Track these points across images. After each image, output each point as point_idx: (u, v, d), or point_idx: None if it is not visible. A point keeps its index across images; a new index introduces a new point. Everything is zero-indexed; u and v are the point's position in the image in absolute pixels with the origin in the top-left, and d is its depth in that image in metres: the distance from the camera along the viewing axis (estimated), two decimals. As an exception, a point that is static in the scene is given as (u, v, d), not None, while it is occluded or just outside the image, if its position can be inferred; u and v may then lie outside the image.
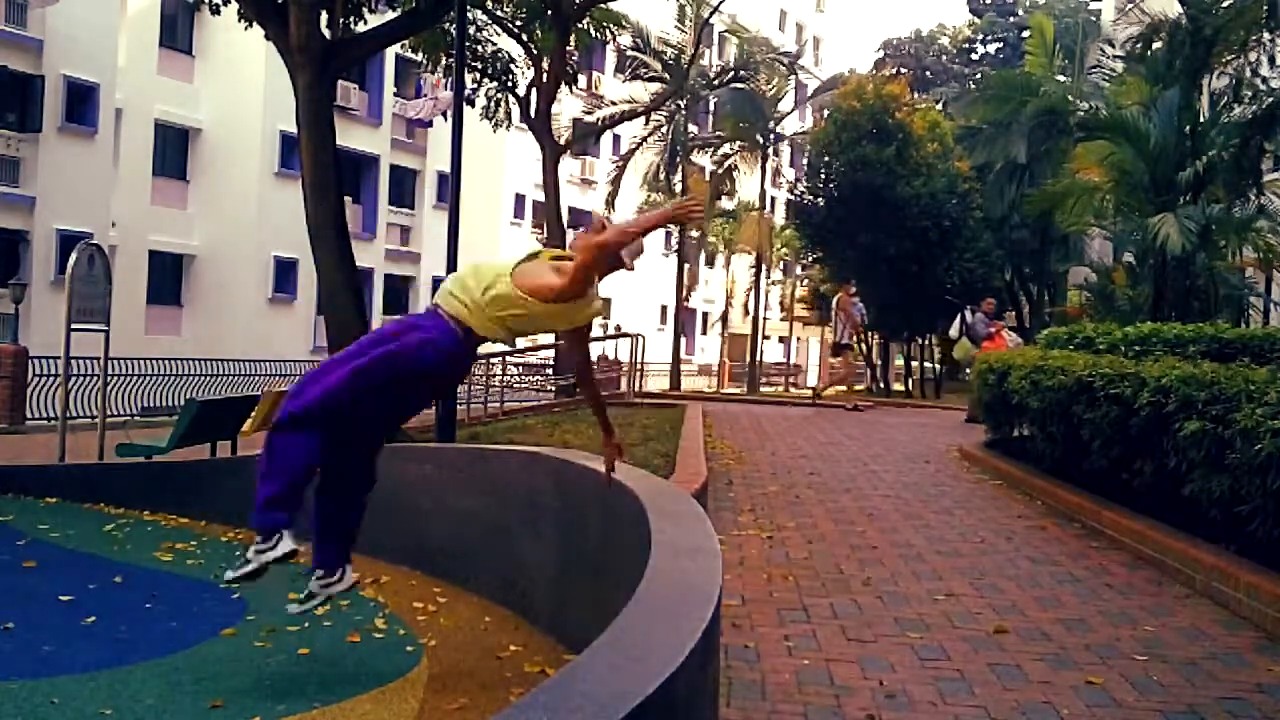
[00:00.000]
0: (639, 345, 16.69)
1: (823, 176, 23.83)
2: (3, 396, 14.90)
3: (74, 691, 4.06)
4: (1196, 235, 12.87)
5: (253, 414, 10.58)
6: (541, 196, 24.19)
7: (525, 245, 35.28)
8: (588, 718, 1.64)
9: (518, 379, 22.20)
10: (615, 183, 30.31)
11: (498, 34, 20.30)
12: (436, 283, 34.65)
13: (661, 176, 31.05)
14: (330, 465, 4.16)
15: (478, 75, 20.52)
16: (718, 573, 2.73)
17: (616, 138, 37.92)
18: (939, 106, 31.54)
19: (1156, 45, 15.61)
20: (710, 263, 45.59)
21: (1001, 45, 55.99)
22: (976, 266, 22.34)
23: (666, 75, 27.74)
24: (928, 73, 55.17)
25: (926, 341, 28.04)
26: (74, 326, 10.83)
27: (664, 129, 29.86)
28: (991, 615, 4.68)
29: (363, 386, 3.93)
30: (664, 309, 44.51)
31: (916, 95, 29.58)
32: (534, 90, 21.09)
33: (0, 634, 4.90)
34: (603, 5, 19.47)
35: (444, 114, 29.35)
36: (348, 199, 22.81)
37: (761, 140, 31.24)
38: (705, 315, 48.75)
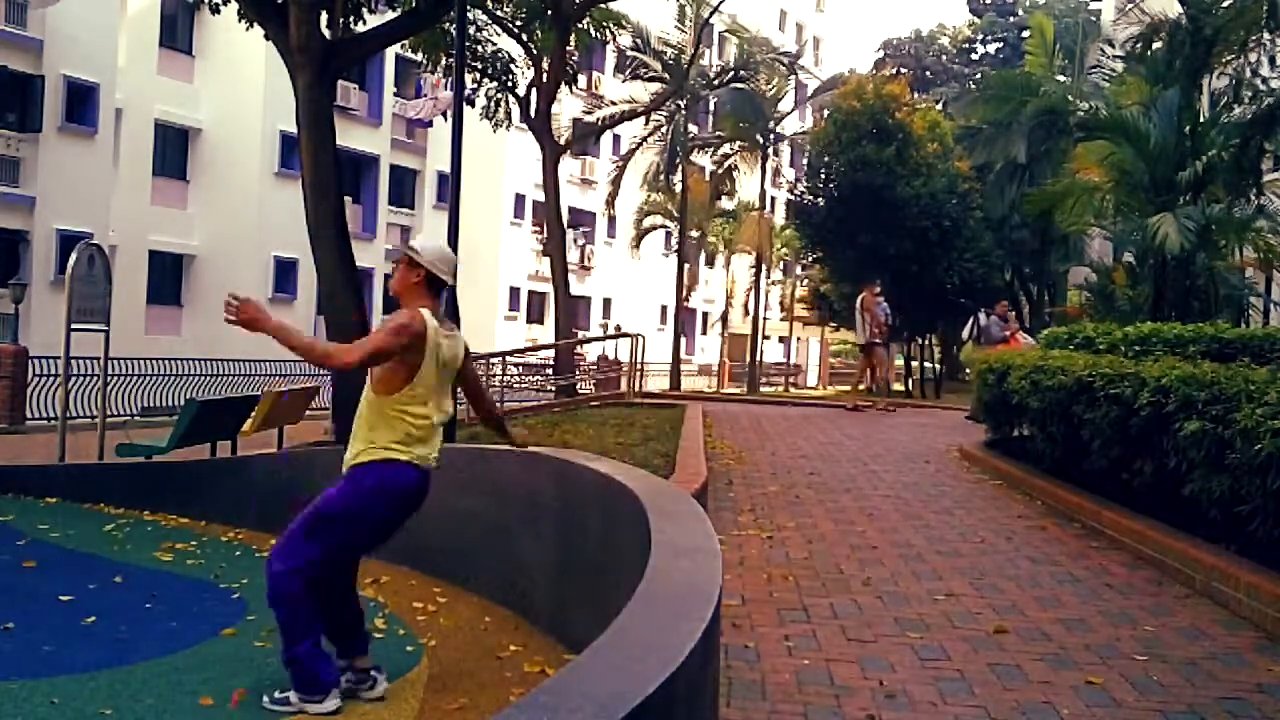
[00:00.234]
0: (639, 345, 16.68)
1: (823, 176, 23.84)
2: (3, 396, 14.90)
3: (74, 691, 4.06)
4: (1196, 235, 12.86)
5: (253, 414, 10.59)
6: (541, 196, 24.18)
7: (525, 245, 35.18)
8: (588, 718, 1.64)
9: (518, 379, 22.20)
10: (615, 183, 30.32)
11: (498, 34, 20.30)
12: (436, 283, 34.64)
13: (661, 176, 31.04)
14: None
15: (478, 75, 20.52)
16: (718, 573, 2.73)
17: (616, 138, 37.93)
18: (939, 106, 31.58)
19: (1156, 45, 15.60)
20: (710, 263, 45.59)
21: (1001, 45, 56.02)
22: (976, 266, 22.35)
23: (666, 75, 27.74)
24: (928, 73, 55.20)
25: (926, 341, 28.05)
26: (74, 326, 10.83)
27: (664, 129, 29.85)
28: (991, 615, 4.68)
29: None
30: (664, 309, 44.51)
31: (916, 95, 29.60)
32: (534, 90, 21.08)
33: (0, 634, 4.91)
34: (603, 5, 19.47)
35: (444, 114, 29.35)
36: (348, 199, 22.80)
37: (761, 140, 31.24)
38: (705, 315, 48.76)
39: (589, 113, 32.17)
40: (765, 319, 35.79)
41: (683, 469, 7.57)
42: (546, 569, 5.08)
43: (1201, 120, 14.81)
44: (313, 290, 25.23)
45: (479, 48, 19.86)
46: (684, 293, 33.73)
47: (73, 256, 11.06)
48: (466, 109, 14.20)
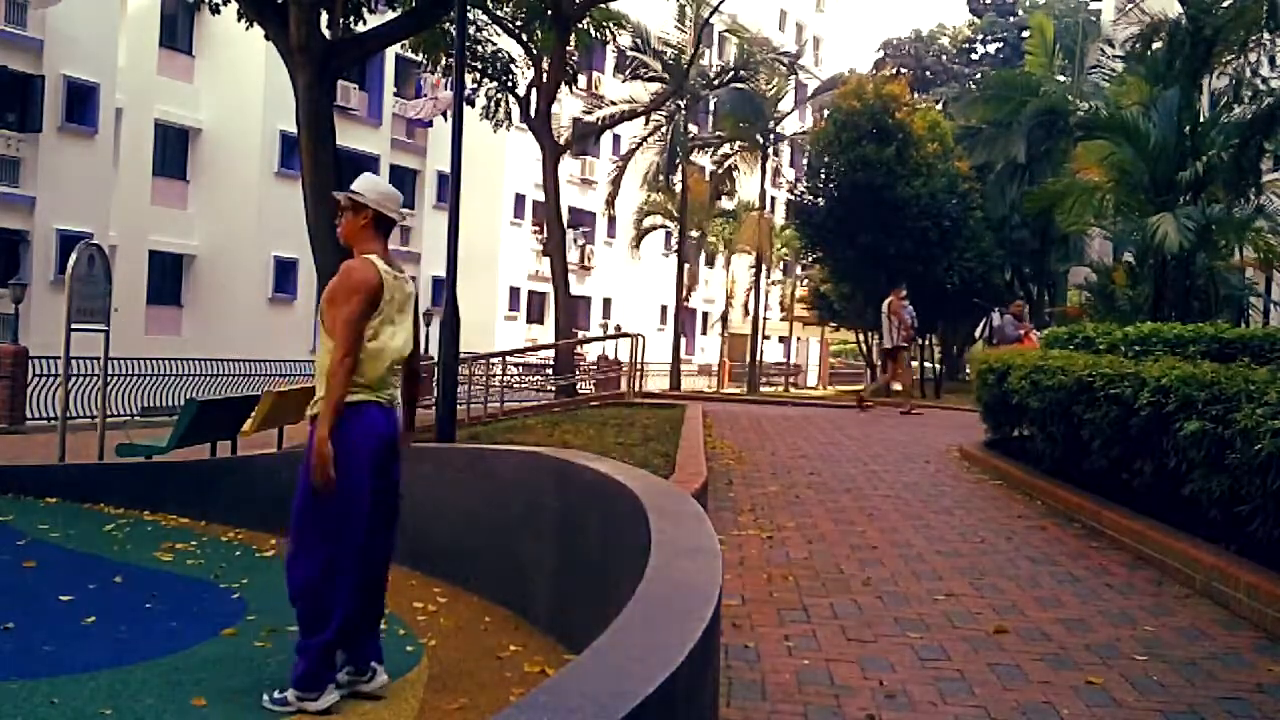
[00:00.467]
0: (639, 345, 16.67)
1: (823, 176, 23.85)
2: (3, 396, 14.90)
3: (74, 691, 4.05)
4: (1196, 235, 12.87)
5: (253, 414, 10.58)
6: (541, 196, 24.20)
7: (525, 245, 35.16)
8: (588, 718, 1.64)
9: (518, 379, 22.20)
10: (615, 183, 30.33)
11: (498, 34, 20.31)
12: (436, 282, 34.70)
13: (661, 176, 31.05)
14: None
15: (478, 75, 20.53)
16: (718, 573, 2.73)
17: (616, 138, 37.94)
18: (939, 106, 31.58)
19: (1156, 45, 15.60)
20: (710, 263, 45.60)
21: (1001, 45, 56.04)
22: (977, 266, 22.36)
23: (666, 75, 27.74)
24: (928, 73, 55.21)
25: (926, 342, 28.04)
26: (74, 326, 10.83)
27: (664, 129, 29.86)
28: (991, 615, 4.68)
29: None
30: (664, 309, 44.51)
31: (916, 95, 29.60)
32: (534, 90, 21.09)
33: (0, 634, 4.91)
34: (603, 5, 19.47)
35: (444, 114, 29.36)
36: (348, 199, 22.80)
37: (761, 140, 31.24)
38: (705, 315, 48.76)
39: (589, 113, 32.18)
40: (765, 319, 35.79)
41: (683, 469, 7.57)
42: (546, 569, 5.08)
43: (1201, 120, 14.81)
44: (313, 290, 25.14)
45: (479, 48, 19.88)
46: (684, 293, 33.74)
47: (73, 256, 11.06)
48: (466, 109, 14.19)
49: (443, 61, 18.88)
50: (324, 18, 11.94)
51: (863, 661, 4.02)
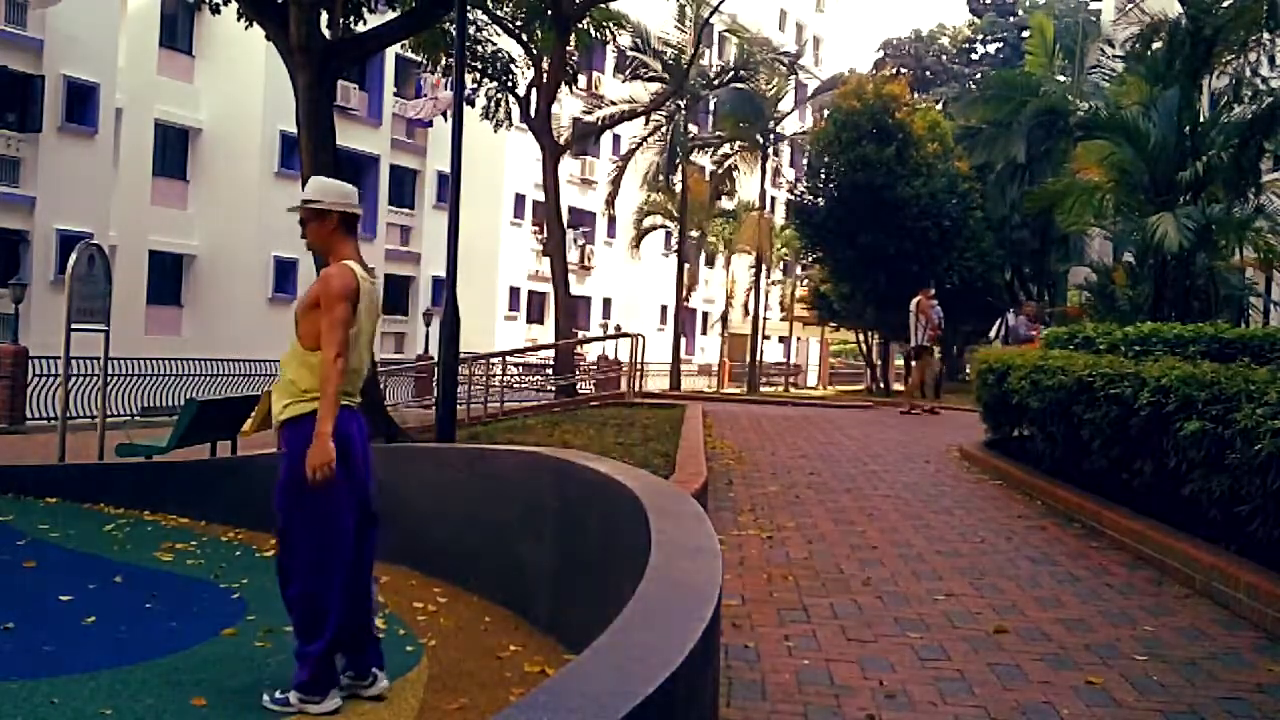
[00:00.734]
0: (639, 345, 16.68)
1: (823, 176, 23.84)
2: (3, 396, 14.90)
3: (74, 691, 4.05)
4: (1196, 235, 12.86)
5: (253, 414, 10.56)
6: (541, 196, 24.19)
7: (525, 245, 35.13)
8: (588, 718, 1.64)
9: (518, 379, 22.20)
10: (615, 183, 30.30)
11: (498, 34, 20.30)
12: (436, 283, 34.71)
13: (661, 176, 31.03)
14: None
15: (478, 75, 20.52)
16: (718, 573, 2.73)
17: (616, 138, 37.94)
18: (939, 106, 31.58)
19: (1156, 45, 15.60)
20: (710, 263, 45.59)
21: (1001, 45, 56.03)
22: (976, 266, 22.35)
23: (666, 75, 27.72)
24: (928, 73, 55.21)
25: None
26: (74, 326, 10.82)
27: (664, 129, 29.84)
28: (991, 615, 4.68)
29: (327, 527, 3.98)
30: (664, 309, 44.50)
31: (916, 95, 29.60)
32: (534, 90, 21.09)
33: (0, 634, 4.90)
34: (603, 5, 19.46)
35: (444, 114, 29.35)
36: (348, 199, 22.79)
37: (761, 140, 31.23)
38: (705, 315, 48.76)
39: (589, 113, 32.17)
40: (765, 319, 35.78)
41: (683, 469, 7.57)
42: (546, 569, 5.08)
43: (1201, 120, 14.81)
44: (313, 290, 25.18)
45: (479, 48, 19.87)
46: (684, 293, 33.73)
47: (73, 256, 11.05)
48: (466, 109, 14.19)
49: (443, 61, 18.87)
50: (324, 18, 11.93)
51: (863, 661, 4.02)
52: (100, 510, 8.72)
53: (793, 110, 36.61)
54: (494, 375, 16.89)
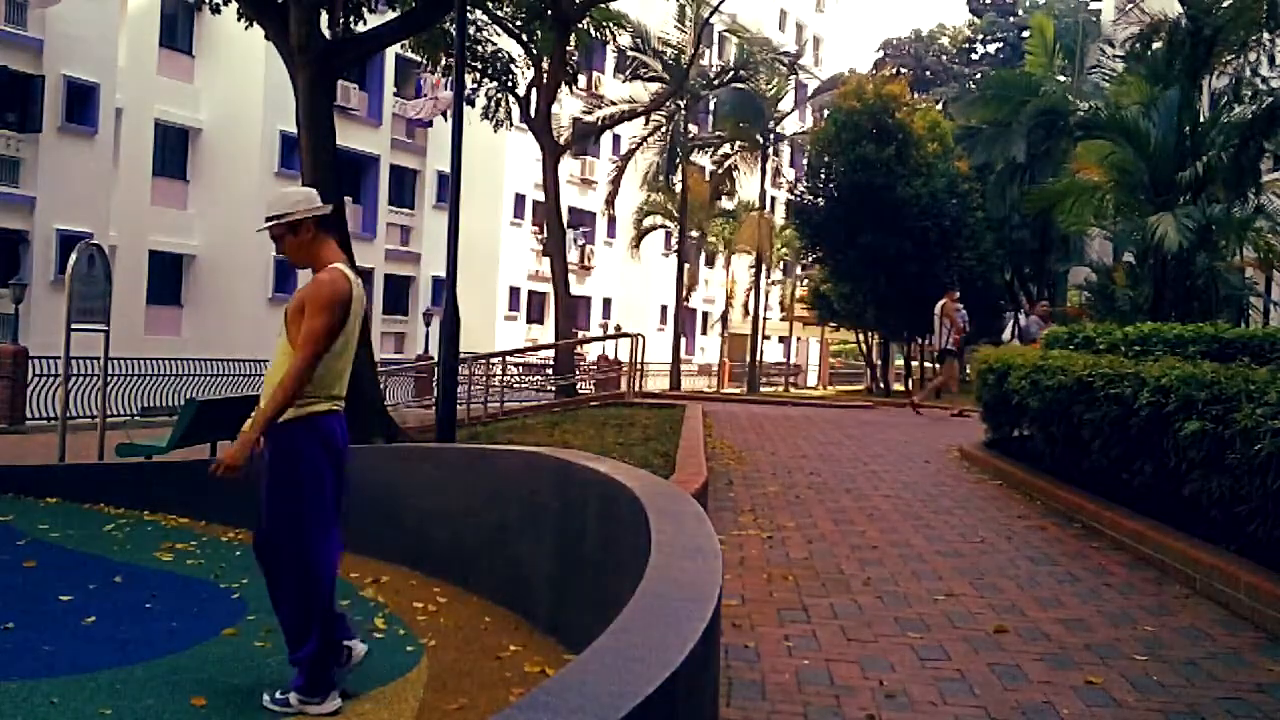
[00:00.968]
0: (639, 345, 16.68)
1: (823, 176, 23.83)
2: (3, 396, 14.90)
3: (74, 691, 4.05)
4: (1196, 235, 12.87)
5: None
6: (541, 196, 24.19)
7: (525, 245, 35.10)
8: (588, 718, 1.64)
9: (518, 379, 22.20)
10: (615, 183, 30.30)
11: (498, 34, 20.30)
12: (436, 283, 34.68)
13: (661, 176, 31.04)
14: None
15: (478, 75, 20.52)
16: (718, 573, 2.73)
17: (616, 138, 37.94)
18: (939, 106, 31.54)
19: (1156, 45, 15.61)
20: (710, 263, 45.59)
21: (1001, 45, 56.05)
22: (976, 266, 22.35)
23: (666, 75, 27.73)
24: (928, 73, 55.22)
25: (927, 342, 28.02)
26: (74, 326, 10.82)
27: (664, 129, 29.85)
28: (991, 615, 4.68)
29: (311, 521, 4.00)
30: (664, 309, 44.50)
31: (916, 95, 29.56)
32: (534, 90, 21.09)
33: (0, 634, 4.90)
34: (603, 5, 19.46)
35: (444, 114, 29.35)
36: (348, 199, 22.84)
37: (761, 140, 31.23)
38: (705, 315, 48.75)
39: (589, 113, 32.17)
40: (765, 319, 35.78)
41: (683, 469, 7.57)
42: (546, 569, 5.08)
43: (1201, 120, 14.82)
44: (313, 290, 25.17)
45: (479, 48, 19.86)
46: (684, 293, 33.73)
47: (73, 256, 11.05)
48: (466, 109, 14.21)
49: (443, 61, 18.87)
50: (324, 18, 11.93)
51: (863, 661, 4.02)
52: (100, 510, 8.72)
53: (793, 110, 36.62)
54: (494, 375, 16.89)
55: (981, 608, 4.80)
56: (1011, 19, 55.94)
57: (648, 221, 36.11)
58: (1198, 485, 5.29)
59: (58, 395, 11.79)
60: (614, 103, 29.41)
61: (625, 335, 18.39)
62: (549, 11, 18.25)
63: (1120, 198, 15.14)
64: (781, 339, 49.98)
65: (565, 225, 23.05)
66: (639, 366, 17.70)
